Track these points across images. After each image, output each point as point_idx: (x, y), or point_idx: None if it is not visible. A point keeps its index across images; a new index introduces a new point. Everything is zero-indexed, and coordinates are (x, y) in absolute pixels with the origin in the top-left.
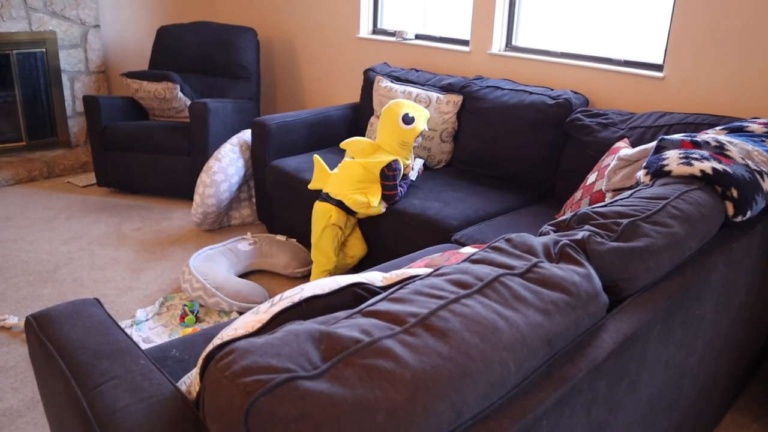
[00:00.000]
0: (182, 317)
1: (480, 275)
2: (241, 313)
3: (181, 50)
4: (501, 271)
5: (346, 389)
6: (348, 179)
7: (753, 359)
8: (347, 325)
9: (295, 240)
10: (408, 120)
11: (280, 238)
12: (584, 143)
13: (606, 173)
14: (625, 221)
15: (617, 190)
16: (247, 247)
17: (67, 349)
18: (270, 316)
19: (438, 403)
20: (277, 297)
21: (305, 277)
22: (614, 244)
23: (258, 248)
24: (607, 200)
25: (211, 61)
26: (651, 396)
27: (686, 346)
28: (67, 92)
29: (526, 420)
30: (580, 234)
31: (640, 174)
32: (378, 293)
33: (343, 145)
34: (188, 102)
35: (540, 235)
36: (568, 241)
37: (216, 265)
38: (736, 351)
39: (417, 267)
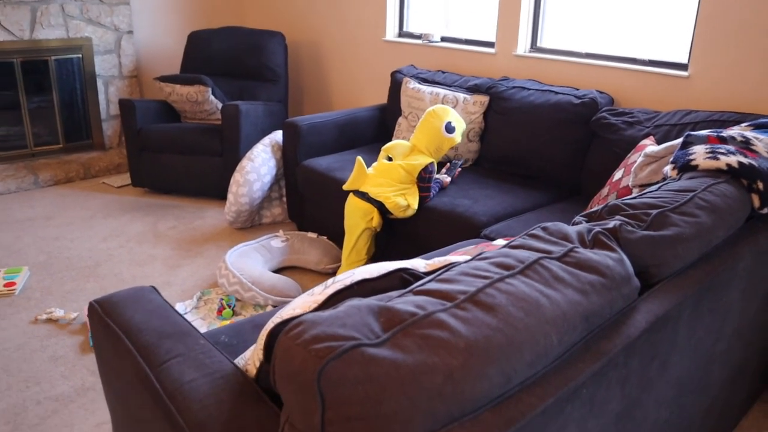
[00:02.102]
0: (220, 311)
1: (521, 258)
2: (275, 307)
3: (211, 54)
4: (540, 255)
5: (407, 355)
6: (389, 180)
7: None
8: (402, 302)
9: (326, 237)
10: (450, 129)
11: (311, 235)
12: (610, 141)
13: (632, 170)
14: (654, 212)
15: (643, 186)
16: (280, 244)
17: (133, 330)
18: (325, 296)
19: (489, 368)
20: (330, 281)
21: (335, 272)
22: (644, 232)
23: (290, 245)
24: (634, 195)
25: (241, 65)
26: (680, 378)
27: (714, 332)
28: (101, 96)
29: (568, 388)
30: (611, 223)
31: (668, 169)
32: (423, 278)
33: (385, 148)
34: (219, 104)
35: (573, 225)
36: (600, 229)
37: (251, 261)
38: (764, 341)
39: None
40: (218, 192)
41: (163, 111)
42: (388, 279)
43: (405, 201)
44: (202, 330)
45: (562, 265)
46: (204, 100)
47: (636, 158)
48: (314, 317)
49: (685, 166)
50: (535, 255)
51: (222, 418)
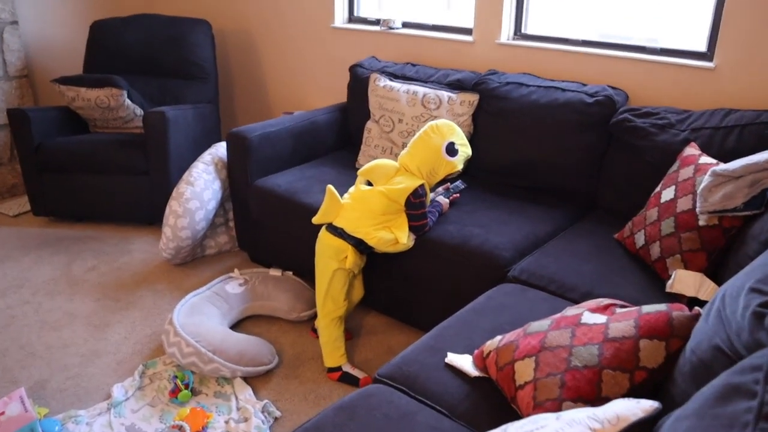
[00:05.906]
0: (174, 392)
1: None
2: (245, 379)
3: (122, 48)
4: None
5: None
6: (368, 212)
7: None
8: None
9: (291, 273)
10: (452, 151)
11: (275, 272)
12: (639, 148)
13: (700, 192)
14: None
15: (716, 212)
16: (238, 289)
17: None
18: None
19: None
20: None
21: (312, 320)
22: None
23: (251, 289)
24: (702, 223)
25: (159, 61)
26: None
27: None
28: None
29: None
30: None
31: None
32: None
33: (362, 172)
34: (137, 110)
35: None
36: None
37: (206, 318)
38: None
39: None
40: (145, 217)
41: (66, 120)
42: None
43: (391, 234)
44: (153, 424)
45: None
46: (118, 106)
47: (689, 173)
48: None
49: None
50: None
51: None
